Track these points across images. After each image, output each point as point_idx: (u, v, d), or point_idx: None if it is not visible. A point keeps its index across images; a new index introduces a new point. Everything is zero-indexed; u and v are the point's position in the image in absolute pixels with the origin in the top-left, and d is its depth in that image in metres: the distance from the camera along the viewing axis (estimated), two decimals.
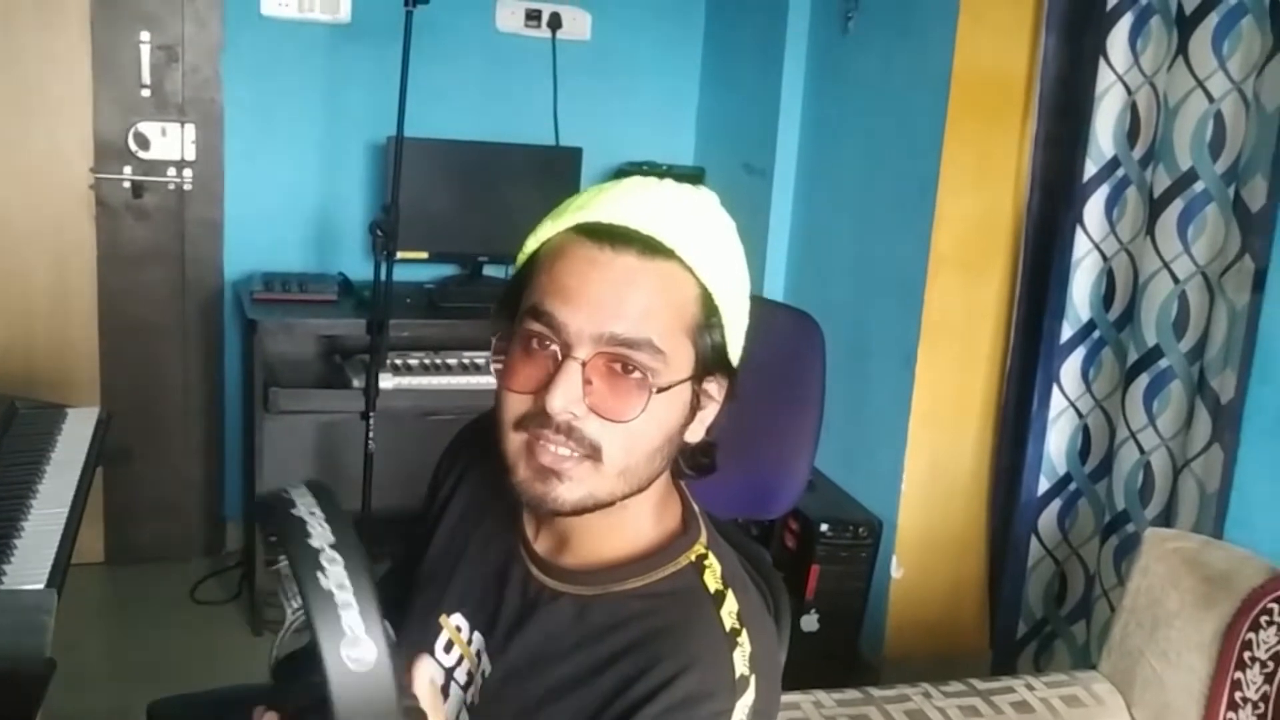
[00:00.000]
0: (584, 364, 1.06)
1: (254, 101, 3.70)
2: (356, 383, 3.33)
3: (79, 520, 2.05)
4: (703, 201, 1.14)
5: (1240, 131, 2.27)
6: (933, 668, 2.40)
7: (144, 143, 3.58)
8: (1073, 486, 2.80)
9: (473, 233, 3.72)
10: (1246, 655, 1.90)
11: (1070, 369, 2.74)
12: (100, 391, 3.66)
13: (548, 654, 1.13)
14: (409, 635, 1.26)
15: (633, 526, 1.16)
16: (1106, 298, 2.67)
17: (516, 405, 1.09)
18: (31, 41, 3.43)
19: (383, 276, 3.12)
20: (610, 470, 1.08)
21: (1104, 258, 2.66)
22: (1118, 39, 2.54)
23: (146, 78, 3.54)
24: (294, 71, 3.73)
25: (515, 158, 3.78)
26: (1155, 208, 2.43)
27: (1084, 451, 2.76)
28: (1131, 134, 2.57)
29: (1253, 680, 1.90)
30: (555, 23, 3.91)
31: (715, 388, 1.15)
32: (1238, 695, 1.91)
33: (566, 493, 1.08)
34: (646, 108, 4.10)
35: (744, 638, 1.09)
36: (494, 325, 1.14)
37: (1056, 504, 2.82)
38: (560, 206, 1.13)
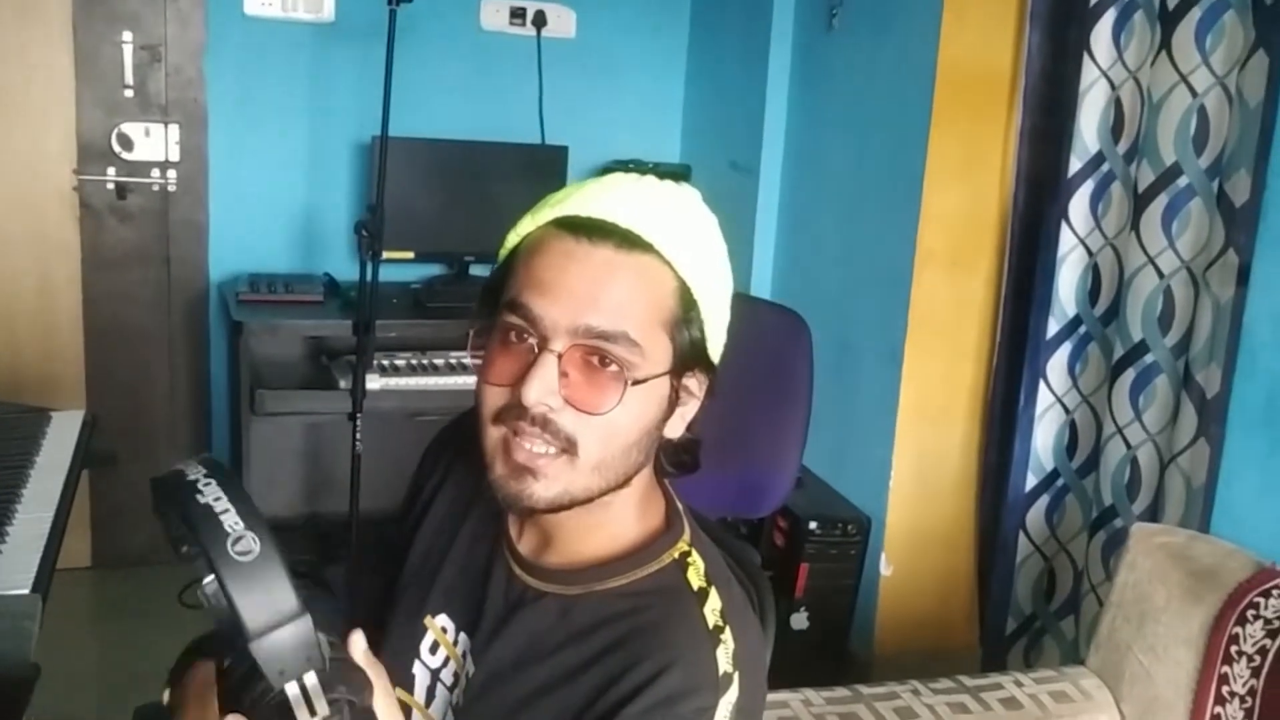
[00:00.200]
0: (560, 356, 1.05)
1: (238, 102, 3.69)
2: (343, 384, 3.33)
3: (64, 524, 2.03)
4: (684, 197, 1.14)
5: (1224, 126, 2.27)
6: (922, 665, 2.40)
7: (127, 144, 3.57)
8: (1060, 482, 2.81)
9: (458, 232, 3.72)
10: (1233, 649, 1.90)
11: (1057, 364, 2.74)
12: (86, 394, 3.65)
13: (531, 654, 1.13)
14: (394, 637, 1.26)
15: (615, 524, 1.16)
16: (1092, 293, 2.67)
17: (494, 398, 1.09)
18: (12, 42, 3.42)
19: (368, 277, 3.11)
20: (585, 464, 1.08)
21: (1089, 253, 2.66)
22: (1101, 34, 2.54)
23: (129, 78, 3.53)
24: (278, 71, 3.72)
25: (501, 156, 3.78)
26: (1140, 203, 2.43)
27: (1071, 447, 2.76)
28: (1116, 129, 2.57)
29: (1240, 674, 1.90)
30: (540, 21, 3.90)
31: (695, 384, 1.14)
32: (1225, 689, 1.91)
33: (542, 490, 1.08)
34: (632, 105, 4.10)
35: (727, 635, 1.09)
36: (474, 320, 1.13)
37: (1044, 500, 2.83)
38: (541, 202, 1.13)
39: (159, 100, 3.59)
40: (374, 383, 3.30)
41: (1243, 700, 1.89)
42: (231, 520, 0.79)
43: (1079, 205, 2.64)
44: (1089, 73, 2.57)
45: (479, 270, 3.79)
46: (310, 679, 0.79)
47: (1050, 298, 2.70)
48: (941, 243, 2.99)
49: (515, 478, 1.08)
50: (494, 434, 1.09)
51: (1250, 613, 1.90)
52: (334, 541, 3.67)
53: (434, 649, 1.23)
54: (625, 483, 1.12)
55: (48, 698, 1.56)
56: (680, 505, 1.23)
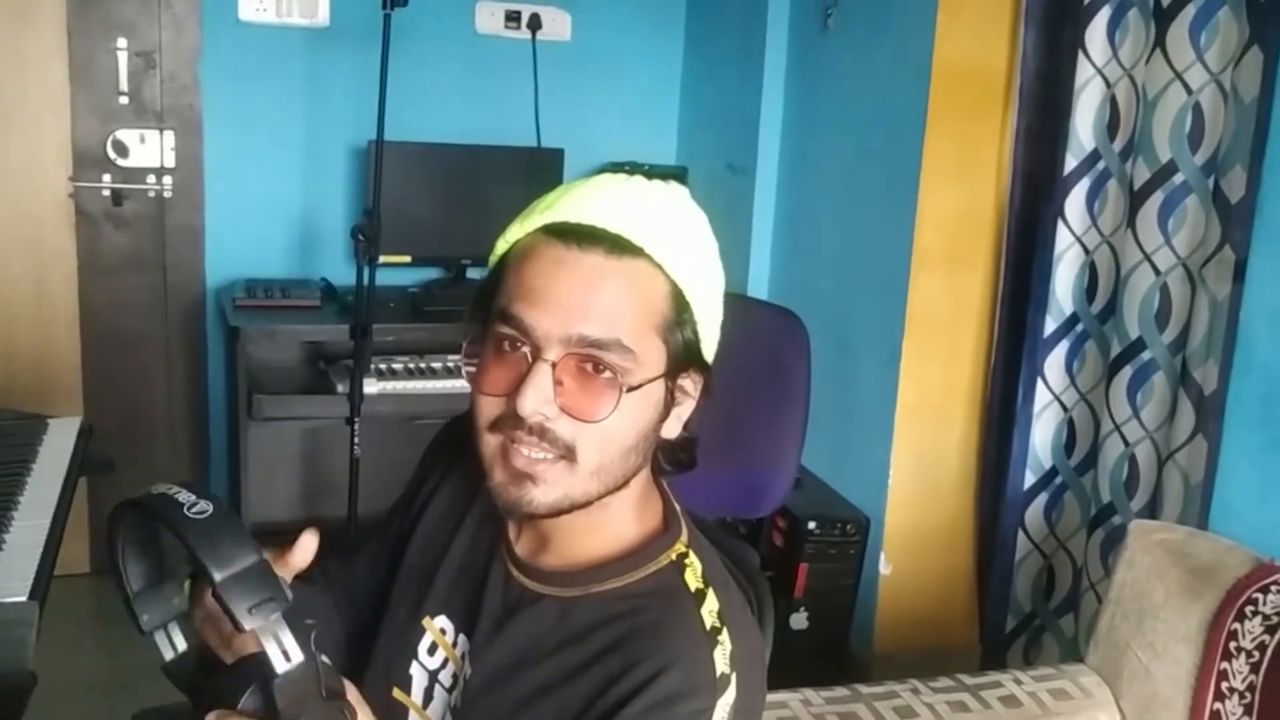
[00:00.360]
0: (554, 365, 1.05)
1: (233, 107, 3.69)
2: (341, 388, 3.32)
3: (61, 531, 2.03)
4: (672, 197, 1.13)
5: (1219, 123, 2.27)
6: (922, 663, 2.39)
7: (123, 150, 3.57)
8: (1059, 480, 2.80)
9: (455, 236, 3.72)
10: (1232, 645, 1.90)
11: (1054, 362, 2.74)
12: (83, 401, 3.65)
13: (529, 656, 1.13)
14: (391, 637, 1.26)
15: (613, 526, 1.16)
16: (1089, 290, 2.67)
17: (489, 408, 1.09)
18: (7, 49, 3.42)
19: (365, 281, 3.11)
20: (584, 470, 1.08)
21: (1086, 251, 2.66)
22: (1096, 32, 2.54)
23: (124, 85, 3.54)
24: (273, 76, 3.72)
25: (497, 160, 3.78)
26: (1136, 200, 2.43)
27: (1069, 445, 2.76)
28: (1111, 126, 2.57)
29: (1239, 670, 1.89)
30: (535, 24, 3.90)
31: (691, 384, 1.14)
32: (1224, 686, 1.91)
33: (541, 495, 1.08)
34: (628, 108, 4.09)
35: (724, 636, 1.09)
36: (466, 328, 1.13)
37: (1043, 498, 2.83)
38: (529, 207, 1.12)
39: (154, 106, 3.59)
40: (371, 387, 3.29)
41: (1242, 696, 1.89)
42: (185, 496, 0.87)
43: (1075, 203, 2.64)
44: (1084, 71, 2.57)
45: (476, 274, 3.78)
46: (277, 619, 0.84)
47: (1047, 296, 2.70)
48: (938, 242, 2.99)
49: (515, 484, 1.08)
50: (491, 442, 1.09)
51: (1249, 609, 1.90)
52: (333, 546, 3.65)
53: (432, 650, 1.23)
54: (623, 485, 1.12)
55: (47, 704, 1.56)
56: (678, 506, 1.23)
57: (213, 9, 3.60)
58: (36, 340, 3.61)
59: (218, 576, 0.83)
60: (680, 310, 1.10)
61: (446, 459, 1.32)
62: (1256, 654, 1.88)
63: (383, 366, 3.42)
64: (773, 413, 2.67)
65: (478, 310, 1.14)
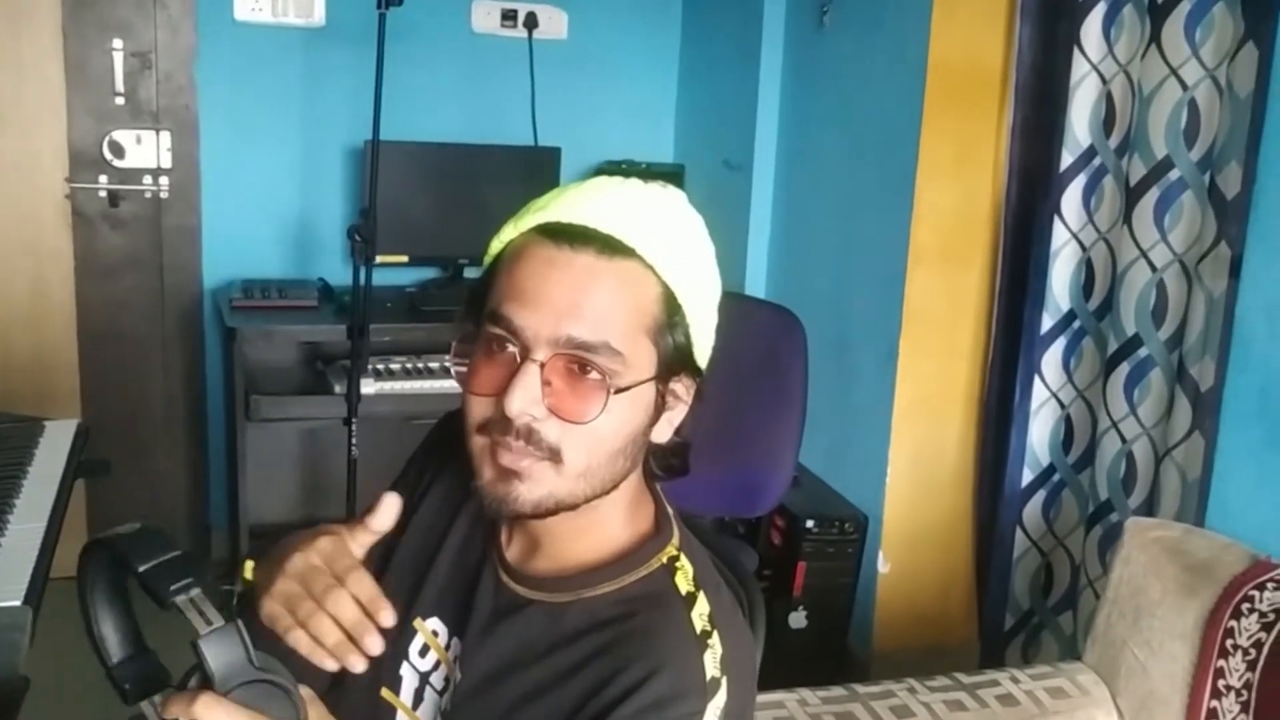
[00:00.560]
0: (542, 365, 1.05)
1: (229, 107, 3.69)
2: (338, 388, 3.32)
3: (57, 535, 2.02)
4: (668, 199, 1.13)
5: (1214, 118, 2.27)
6: (921, 662, 2.40)
7: (119, 151, 3.57)
8: (1056, 477, 2.80)
9: (452, 235, 3.71)
10: (1229, 643, 1.90)
11: (1051, 359, 2.74)
12: (81, 402, 3.65)
13: (519, 660, 1.13)
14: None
15: (603, 529, 1.16)
16: (1086, 287, 2.66)
17: (479, 408, 1.09)
18: (2, 51, 3.42)
19: (362, 281, 3.11)
20: (571, 471, 1.07)
21: (1082, 247, 2.66)
22: (1091, 28, 2.54)
23: (120, 85, 3.53)
24: (269, 76, 3.71)
25: (494, 159, 3.77)
26: (1132, 196, 2.43)
27: (1067, 442, 2.76)
28: (1107, 123, 2.57)
29: (1235, 668, 1.89)
30: (531, 22, 3.89)
31: (682, 388, 1.14)
32: (1221, 683, 1.91)
33: (526, 492, 1.08)
34: (625, 106, 4.09)
35: (715, 639, 1.09)
36: (459, 328, 1.13)
37: (1041, 495, 2.82)
38: (524, 208, 1.12)
39: (150, 107, 3.59)
40: (369, 387, 3.29)
41: (1239, 694, 1.89)
42: (122, 527, 1.00)
43: (1071, 199, 2.64)
44: (1079, 67, 2.57)
45: (473, 273, 3.76)
46: (197, 594, 0.94)
47: (1044, 292, 2.69)
48: (934, 239, 2.99)
49: (502, 482, 1.08)
50: (479, 442, 1.09)
51: (1245, 606, 1.89)
52: None
53: (424, 652, 1.22)
54: (613, 488, 1.12)
55: (44, 707, 1.56)
56: (670, 509, 1.22)
57: (208, 9, 3.59)
58: (34, 342, 3.61)
59: (139, 568, 0.94)
60: (672, 313, 1.09)
61: (438, 459, 1.31)
62: (1253, 651, 1.88)
63: (380, 367, 3.42)
64: (770, 411, 2.67)
65: (471, 310, 1.13)
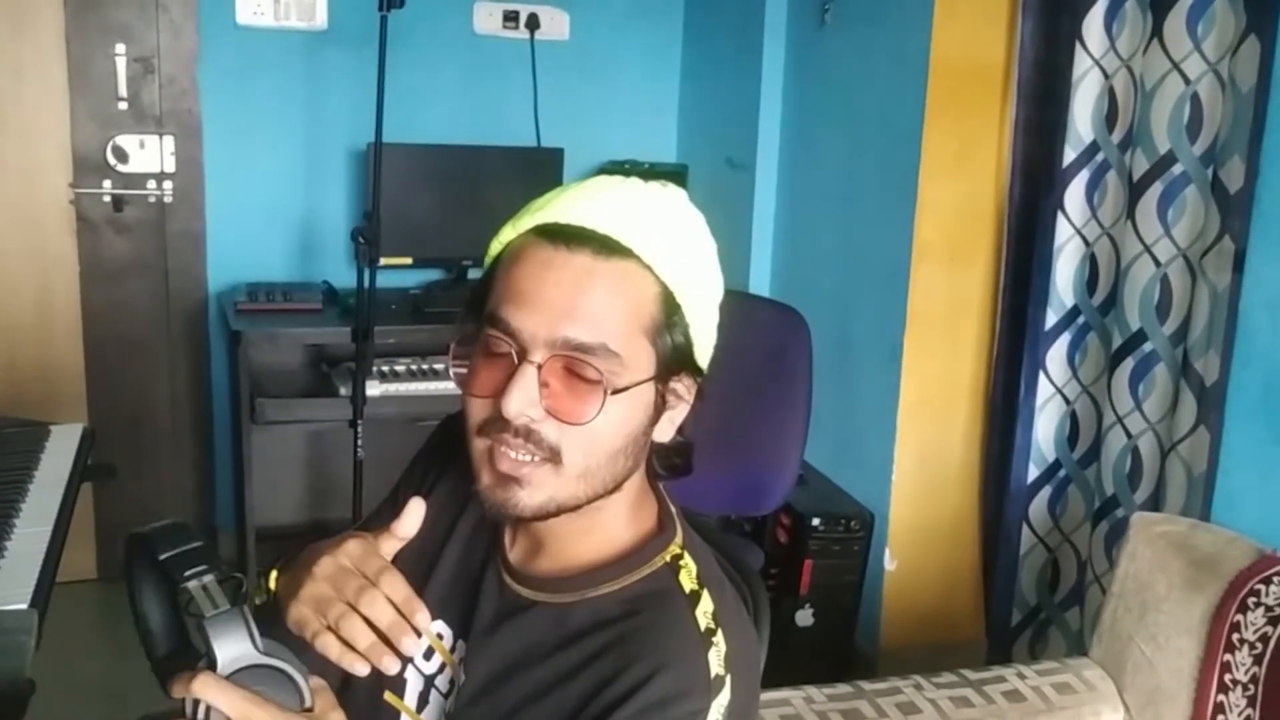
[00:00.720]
0: (540, 367, 1.05)
1: (232, 111, 3.69)
2: (343, 391, 3.32)
3: (64, 537, 2.03)
4: (668, 198, 1.13)
5: (1217, 113, 2.26)
6: (928, 659, 2.39)
7: (123, 156, 3.57)
8: (1062, 473, 2.80)
9: (456, 237, 3.71)
10: (1235, 637, 1.89)
11: (1056, 355, 2.73)
12: (87, 407, 3.66)
13: (523, 661, 1.13)
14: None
15: (606, 529, 1.15)
16: (1090, 283, 2.66)
17: (478, 410, 1.09)
18: (6, 56, 3.43)
19: (366, 283, 3.11)
20: (570, 473, 1.07)
21: (1086, 243, 2.65)
22: (1093, 23, 2.53)
23: (123, 90, 3.54)
24: (272, 80, 3.72)
25: (497, 160, 3.77)
26: (1135, 191, 2.42)
27: (1072, 438, 2.76)
28: (1110, 118, 2.56)
29: (1242, 662, 1.89)
30: (533, 23, 3.90)
31: (683, 388, 1.13)
32: (1227, 677, 1.90)
33: (527, 498, 1.08)
34: (627, 106, 4.09)
35: (719, 637, 1.09)
36: (459, 330, 1.13)
37: (1046, 491, 2.82)
38: (523, 208, 1.12)
39: (153, 112, 3.60)
40: (374, 389, 3.29)
41: (1245, 688, 1.88)
42: (159, 522, 1.03)
43: (1075, 195, 2.63)
44: (1082, 62, 2.56)
45: (477, 274, 3.71)
46: (208, 578, 0.97)
47: (1048, 289, 2.69)
48: (938, 236, 2.99)
49: (501, 486, 1.08)
50: (479, 445, 1.09)
51: (1251, 600, 1.89)
52: None
53: (428, 654, 1.22)
54: (614, 488, 1.12)
55: (51, 710, 1.56)
56: (673, 507, 1.22)
57: (210, 13, 3.60)
58: (39, 346, 3.62)
59: (161, 556, 0.98)
60: (670, 313, 1.09)
61: (440, 461, 1.31)
62: (1259, 645, 1.88)
63: (385, 369, 3.42)
64: (775, 410, 2.67)
65: (470, 312, 1.13)
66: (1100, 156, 2.60)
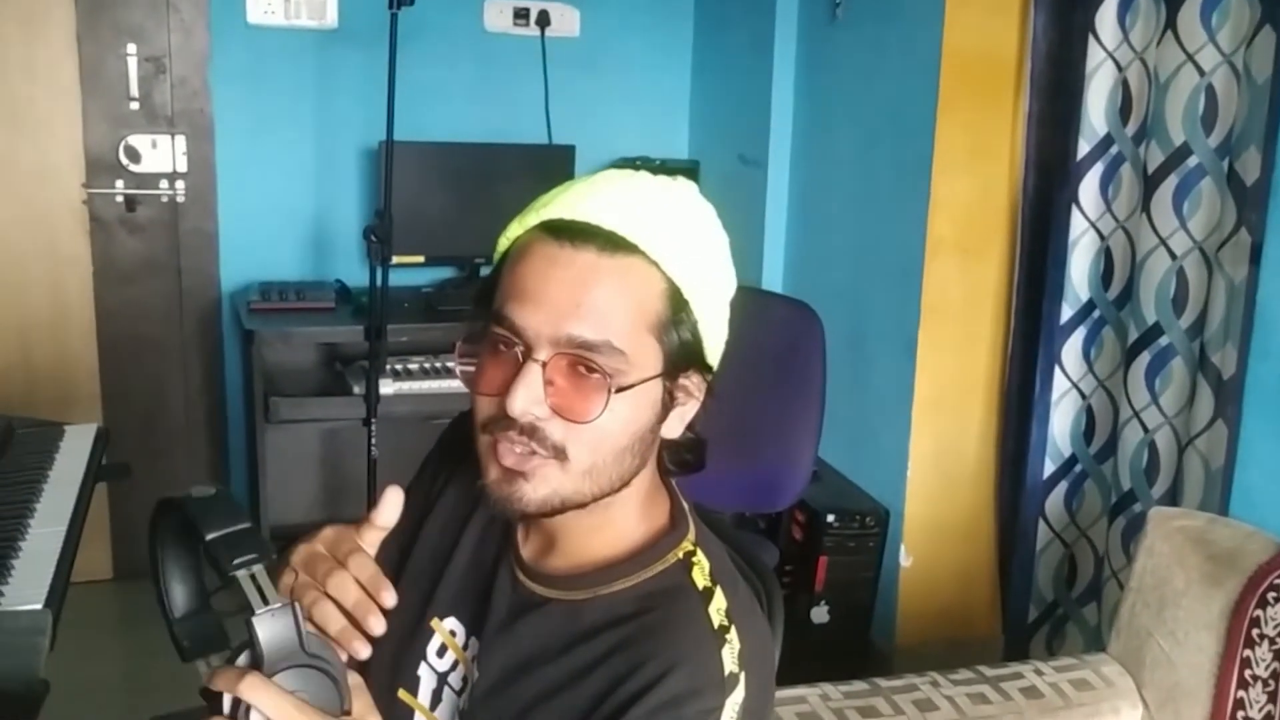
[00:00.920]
0: (544, 365, 1.04)
1: (244, 110, 3.69)
2: (357, 389, 3.33)
3: (78, 537, 2.04)
4: (676, 192, 1.11)
5: (1232, 104, 2.25)
6: (945, 655, 2.38)
7: (135, 156, 3.58)
8: (1078, 468, 2.79)
9: (468, 235, 3.71)
10: (1255, 632, 1.88)
11: (1071, 350, 2.72)
12: (102, 407, 3.67)
13: (536, 658, 1.12)
14: (399, 637, 1.24)
15: (618, 526, 1.15)
16: (1105, 277, 2.65)
17: (484, 408, 1.09)
18: (18, 57, 3.43)
19: (379, 282, 3.11)
20: (576, 470, 1.07)
21: (1101, 236, 2.64)
22: (1106, 15, 2.52)
23: (135, 90, 3.54)
24: (283, 79, 3.72)
25: (508, 157, 3.77)
26: (1150, 184, 2.41)
27: (1088, 432, 2.74)
28: (1124, 110, 2.55)
29: (1262, 657, 1.87)
30: (544, 20, 3.89)
31: (693, 384, 1.12)
32: (1248, 673, 1.89)
33: (531, 492, 1.07)
34: (639, 103, 4.09)
35: (733, 635, 1.08)
36: (469, 327, 1.13)
37: (1063, 486, 2.81)
38: (530, 205, 1.11)
39: (165, 111, 3.60)
40: (387, 387, 3.30)
41: (1265, 684, 1.87)
42: (195, 486, 0.96)
43: (1089, 188, 2.62)
44: (1095, 55, 2.55)
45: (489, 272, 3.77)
46: (259, 570, 0.92)
47: (1063, 283, 2.68)
48: (952, 231, 2.97)
49: (506, 481, 1.08)
50: (485, 441, 1.09)
51: (1271, 595, 1.88)
52: None
53: (442, 652, 1.22)
54: (622, 485, 1.11)
55: (66, 709, 1.56)
56: (686, 504, 1.21)
57: (221, 13, 3.60)
58: (54, 347, 3.62)
59: (207, 536, 0.92)
60: (677, 309, 1.08)
61: (451, 459, 1.31)
62: None
63: (398, 367, 3.42)
64: (789, 406, 2.67)
65: (479, 309, 1.13)
66: (1114, 149, 2.58)
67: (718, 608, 1.10)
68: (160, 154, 3.61)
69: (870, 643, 3.21)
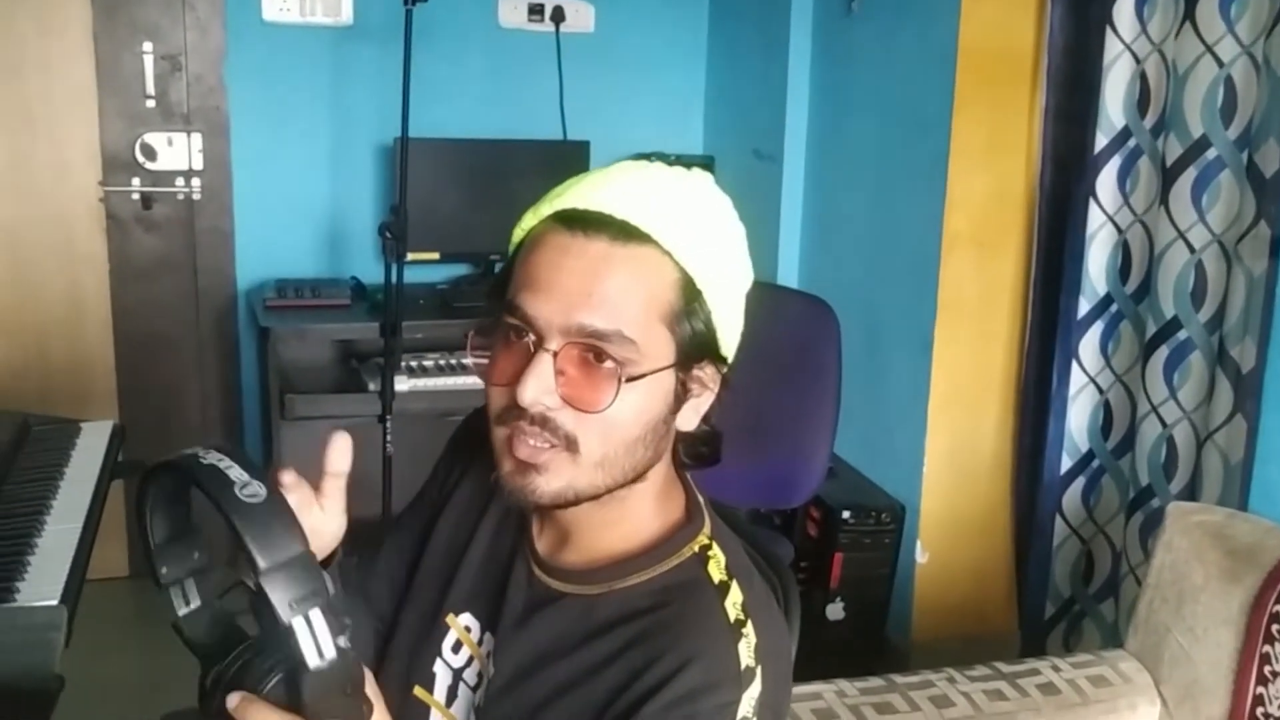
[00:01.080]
0: (555, 354, 1.04)
1: (259, 108, 3.70)
2: (372, 386, 3.33)
3: (94, 535, 2.04)
4: (691, 183, 1.11)
5: (1251, 96, 2.23)
6: (961, 652, 2.37)
7: (151, 154, 3.59)
8: (1096, 463, 2.77)
9: (483, 231, 3.70)
10: (1275, 628, 1.87)
11: (1089, 344, 2.70)
12: (118, 404, 3.68)
13: (552, 653, 1.12)
14: (412, 633, 1.24)
15: (633, 519, 1.14)
16: (1123, 270, 2.63)
17: (498, 398, 1.08)
18: (34, 55, 3.44)
19: (394, 279, 3.11)
20: (588, 461, 1.06)
21: (1118, 230, 2.62)
22: (1124, 7, 2.50)
23: (151, 88, 3.55)
24: (298, 76, 3.73)
25: (523, 154, 3.76)
26: (1168, 177, 2.39)
27: (1106, 427, 2.73)
28: (1142, 103, 2.53)
29: None
30: (558, 16, 3.89)
31: (707, 376, 1.12)
32: (1267, 669, 1.87)
33: (545, 484, 1.07)
34: (653, 98, 4.08)
35: (749, 629, 1.07)
36: (483, 320, 1.12)
37: (1080, 482, 2.79)
38: (544, 195, 1.11)
39: (181, 109, 3.61)
40: (403, 384, 3.30)
41: None
42: (237, 473, 0.86)
43: (1106, 182, 2.60)
44: (1112, 47, 2.53)
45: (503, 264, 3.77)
46: (316, 614, 0.84)
47: (1080, 277, 2.66)
48: (968, 225, 2.96)
49: (520, 473, 1.07)
50: (499, 433, 1.09)
51: None
52: (367, 543, 3.67)
53: (457, 648, 1.22)
54: (635, 477, 1.10)
55: (81, 706, 1.56)
56: (701, 498, 1.21)
57: (236, 10, 3.61)
58: (70, 344, 3.64)
59: (263, 565, 0.83)
60: (690, 300, 1.07)
61: (466, 454, 1.31)
62: None
63: (414, 364, 3.42)
64: (804, 401, 2.66)
65: (493, 300, 1.12)
66: (1132, 142, 2.57)
67: (734, 602, 1.09)
68: (176, 152, 3.62)
69: (886, 639, 3.20)
